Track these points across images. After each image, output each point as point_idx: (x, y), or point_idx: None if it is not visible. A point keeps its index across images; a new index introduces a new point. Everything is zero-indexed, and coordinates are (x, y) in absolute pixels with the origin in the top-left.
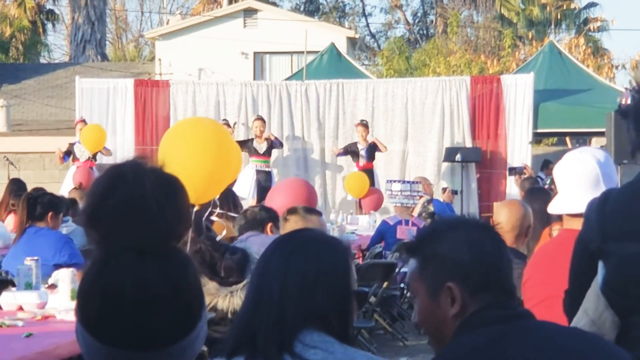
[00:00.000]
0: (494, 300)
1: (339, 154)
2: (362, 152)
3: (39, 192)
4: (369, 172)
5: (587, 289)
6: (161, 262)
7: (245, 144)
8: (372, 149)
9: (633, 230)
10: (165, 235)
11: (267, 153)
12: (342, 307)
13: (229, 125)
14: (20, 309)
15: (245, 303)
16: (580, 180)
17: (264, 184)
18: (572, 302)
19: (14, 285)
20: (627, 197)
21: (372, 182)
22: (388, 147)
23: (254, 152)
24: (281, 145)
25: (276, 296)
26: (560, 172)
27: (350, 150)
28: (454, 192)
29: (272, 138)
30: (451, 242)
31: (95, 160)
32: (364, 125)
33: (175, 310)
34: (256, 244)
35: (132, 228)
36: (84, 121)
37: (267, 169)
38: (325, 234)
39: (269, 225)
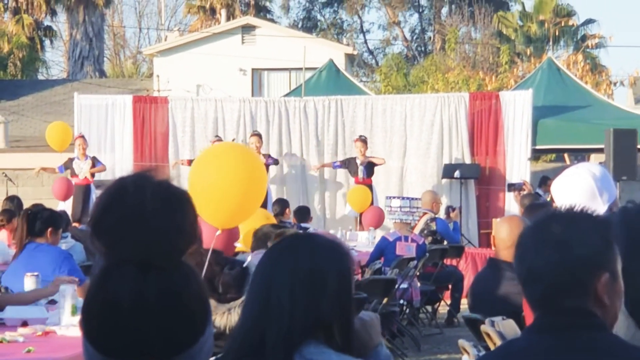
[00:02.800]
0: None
1: (337, 166)
2: (361, 168)
3: (39, 208)
4: (368, 187)
5: None
6: (162, 275)
7: None
8: (371, 165)
9: None
10: (166, 248)
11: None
12: (345, 314)
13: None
14: (25, 324)
15: (248, 312)
16: (577, 195)
17: None
18: None
19: None
20: None
21: (371, 198)
22: (386, 163)
23: None
24: (276, 162)
25: (286, 306)
26: (558, 188)
27: (349, 165)
28: (453, 209)
29: (266, 156)
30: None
31: (93, 177)
32: (363, 140)
33: (175, 323)
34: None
35: (133, 241)
36: (82, 137)
37: None
38: (327, 236)
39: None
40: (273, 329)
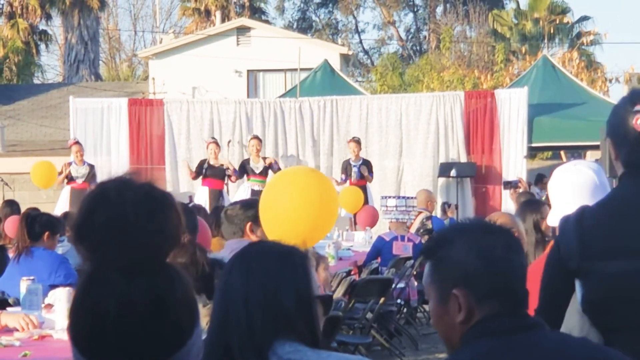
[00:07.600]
0: (502, 308)
1: (343, 179)
2: (355, 169)
3: (37, 212)
4: (363, 188)
5: (562, 308)
6: (146, 280)
7: (243, 168)
8: (366, 165)
9: (614, 247)
10: (149, 252)
11: (264, 173)
12: (307, 313)
13: (217, 145)
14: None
15: (212, 321)
16: (577, 191)
17: None
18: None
19: (9, 305)
20: (604, 213)
21: (366, 199)
22: (382, 163)
23: (250, 172)
24: (279, 169)
25: (242, 312)
26: (558, 184)
27: (347, 169)
28: (449, 205)
29: (272, 162)
30: (460, 247)
31: (92, 182)
32: (356, 141)
33: (161, 328)
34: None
35: (116, 246)
36: (78, 143)
37: (263, 189)
38: (280, 244)
39: (248, 225)
40: (234, 336)
